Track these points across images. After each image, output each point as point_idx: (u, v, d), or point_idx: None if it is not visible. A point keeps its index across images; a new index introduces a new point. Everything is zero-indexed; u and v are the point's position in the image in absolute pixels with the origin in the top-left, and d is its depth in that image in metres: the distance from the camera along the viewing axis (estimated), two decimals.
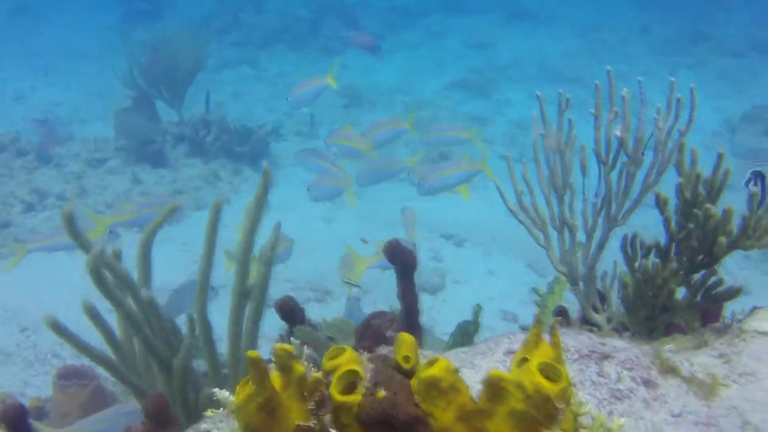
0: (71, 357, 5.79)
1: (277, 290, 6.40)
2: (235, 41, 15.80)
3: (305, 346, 1.73)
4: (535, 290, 3.04)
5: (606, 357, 1.79)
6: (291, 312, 1.89)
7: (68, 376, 4.21)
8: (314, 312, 6.44)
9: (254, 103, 12.37)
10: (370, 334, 1.92)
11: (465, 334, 2.98)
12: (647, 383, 1.75)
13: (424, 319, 6.05)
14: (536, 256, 7.32)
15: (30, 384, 5.50)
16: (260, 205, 2.18)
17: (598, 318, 2.21)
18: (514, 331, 1.93)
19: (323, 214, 8.08)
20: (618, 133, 2.06)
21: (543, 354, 1.24)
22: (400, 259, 1.90)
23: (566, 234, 2.22)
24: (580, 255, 2.19)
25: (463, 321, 3.12)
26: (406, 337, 1.26)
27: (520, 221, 2.27)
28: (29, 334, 6.08)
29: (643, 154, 2.05)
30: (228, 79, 13.79)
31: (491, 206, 8.58)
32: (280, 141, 9.89)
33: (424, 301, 6.47)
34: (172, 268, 6.69)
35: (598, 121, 2.13)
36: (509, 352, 1.81)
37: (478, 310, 3.01)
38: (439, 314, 6.52)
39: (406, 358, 1.25)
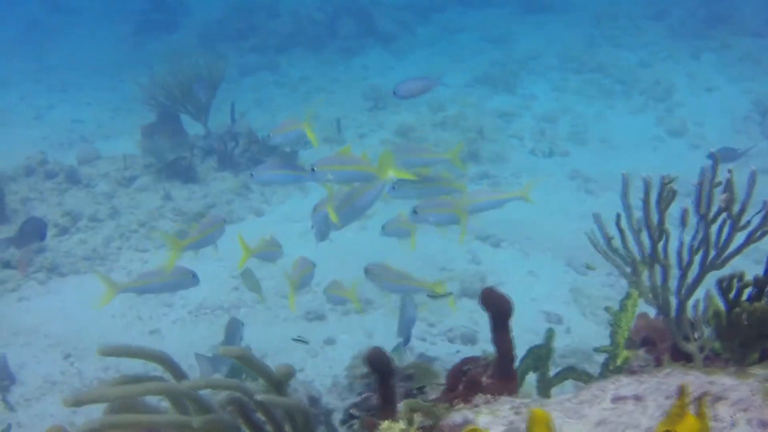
0: None
1: (311, 300, 6.38)
2: (253, 47, 15.79)
3: (416, 414, 1.67)
4: (607, 309, 2.94)
5: (719, 399, 1.71)
6: (383, 366, 1.81)
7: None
8: (356, 323, 6.42)
9: (277, 109, 12.34)
10: (465, 381, 1.84)
11: (537, 359, 2.89)
12: (764, 425, 1.67)
13: (467, 323, 5.98)
14: (575, 254, 7.30)
15: (78, 412, 5.45)
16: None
17: (691, 348, 2.13)
18: (619, 377, 1.84)
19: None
20: (722, 204, 2.05)
21: (689, 428, 1.16)
22: (495, 306, 1.82)
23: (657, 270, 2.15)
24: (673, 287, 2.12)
25: (535, 345, 3.03)
26: (539, 414, 1.19)
27: (610, 261, 2.21)
28: (73, 360, 6.04)
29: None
30: (249, 86, 13.78)
31: (524, 205, 8.48)
32: (308, 148, 9.82)
33: (465, 305, 6.44)
34: (210, 283, 6.65)
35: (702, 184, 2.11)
36: (617, 399, 1.73)
37: (551, 335, 2.92)
38: (483, 319, 6.40)
39: None
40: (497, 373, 1.84)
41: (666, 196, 2.20)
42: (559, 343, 5.99)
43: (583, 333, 6.20)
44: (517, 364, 2.72)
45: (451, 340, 6.16)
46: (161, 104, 9.40)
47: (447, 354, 5.89)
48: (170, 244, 4.54)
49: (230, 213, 8.05)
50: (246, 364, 1.99)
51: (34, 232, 4.76)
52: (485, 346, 6.09)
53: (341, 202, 4.04)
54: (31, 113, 13.38)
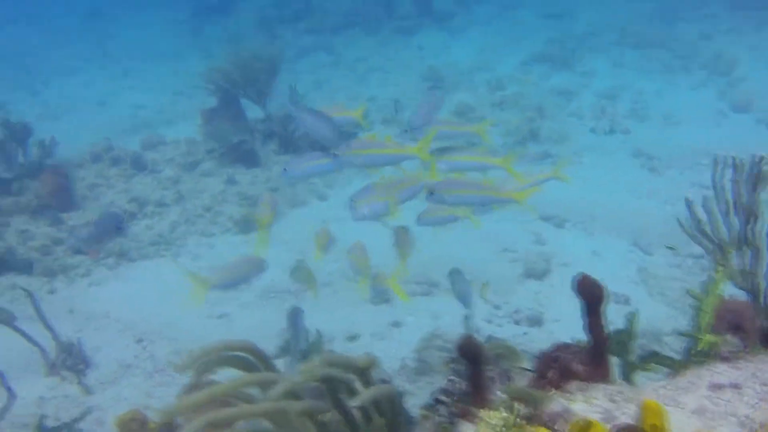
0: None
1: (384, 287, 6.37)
2: (309, 28, 15.82)
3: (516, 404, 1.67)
4: (689, 292, 2.89)
5: None
6: (475, 353, 1.82)
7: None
8: (422, 305, 6.43)
9: (335, 91, 12.36)
10: (557, 367, 1.84)
11: (619, 343, 2.86)
12: None
13: (532, 305, 5.96)
14: (640, 233, 7.22)
15: (152, 395, 5.56)
16: None
17: None
18: (714, 363, 1.83)
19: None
20: None
21: None
22: (589, 293, 1.81)
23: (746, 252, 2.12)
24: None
25: (617, 329, 3.00)
26: (652, 405, 1.19)
27: (699, 244, 2.17)
28: (145, 344, 6.15)
29: None
30: (306, 67, 13.80)
31: (586, 183, 8.42)
32: (366, 129, 9.81)
33: (531, 286, 6.42)
34: (278, 267, 6.69)
35: None
36: (714, 386, 1.72)
37: (633, 318, 2.88)
38: (548, 300, 6.40)
39: (654, 427, 1.17)
40: (590, 360, 1.83)
41: (757, 175, 2.15)
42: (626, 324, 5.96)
43: (651, 314, 6.12)
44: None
45: (517, 322, 6.14)
46: (221, 88, 9.47)
47: (514, 336, 5.87)
48: (195, 282, 4.53)
49: (293, 197, 8.11)
50: (331, 367, 2.00)
51: (111, 226, 4.80)
52: (551, 328, 6.08)
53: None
54: (95, 99, 13.59)
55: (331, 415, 2.15)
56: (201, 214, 7.88)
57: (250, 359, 2.24)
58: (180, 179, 8.62)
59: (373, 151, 4.21)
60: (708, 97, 11.09)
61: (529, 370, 2.34)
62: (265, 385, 2.03)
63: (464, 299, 4.99)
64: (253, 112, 9.67)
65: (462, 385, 2.12)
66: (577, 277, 1.86)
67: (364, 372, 2.11)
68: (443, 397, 2.15)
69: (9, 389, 4.78)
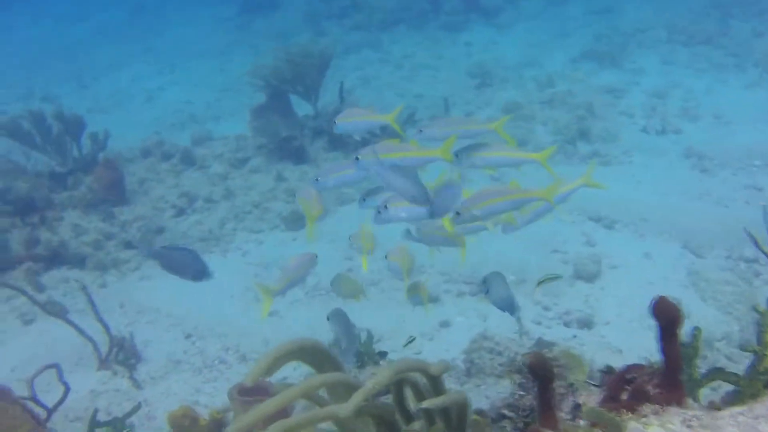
0: (237, 361, 5.89)
1: (432, 285, 6.36)
2: (356, 25, 15.83)
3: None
4: (756, 309, 2.84)
5: None
6: (545, 371, 1.79)
7: (249, 392, 4.25)
8: (470, 305, 6.41)
9: (382, 87, 12.36)
10: (631, 390, 1.81)
11: (684, 358, 2.81)
12: None
13: (582, 307, 5.91)
14: (691, 235, 7.12)
15: (201, 391, 5.61)
16: None
17: None
18: None
19: None
20: None
21: None
22: (666, 315, 1.78)
23: None
24: None
25: (681, 344, 2.95)
26: None
27: None
28: (194, 340, 6.20)
29: None
30: (353, 64, 13.82)
31: (637, 184, 8.33)
32: (401, 134, 9.78)
33: (582, 289, 6.36)
34: (326, 265, 6.69)
35: None
36: None
37: (698, 333, 2.83)
38: (599, 303, 6.34)
39: None
40: (665, 383, 1.80)
41: None
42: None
43: (703, 319, 6.05)
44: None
45: (566, 324, 6.09)
46: (270, 84, 9.49)
47: (564, 339, 5.83)
48: (263, 293, 4.50)
49: (342, 194, 8.11)
50: (403, 372, 1.99)
51: (189, 270, 4.75)
52: (601, 331, 6.01)
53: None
54: (143, 95, 13.74)
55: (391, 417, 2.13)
56: (249, 210, 7.93)
57: (321, 359, 2.22)
58: (229, 175, 8.68)
59: (398, 155, 4.14)
60: (761, 96, 10.89)
61: (595, 385, 2.31)
62: (338, 387, 2.02)
63: (505, 306, 4.74)
64: (302, 108, 9.68)
65: (528, 400, 2.11)
66: (654, 299, 1.82)
67: (436, 379, 2.08)
68: (508, 412, 2.14)
69: (64, 383, 4.83)
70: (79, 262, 7.18)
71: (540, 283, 4.90)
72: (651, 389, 1.78)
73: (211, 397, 5.50)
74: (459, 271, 6.75)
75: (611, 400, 1.87)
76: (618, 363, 5.36)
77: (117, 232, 7.45)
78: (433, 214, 3.90)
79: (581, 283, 6.59)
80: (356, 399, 1.79)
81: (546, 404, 1.85)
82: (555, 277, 4.91)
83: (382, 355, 4.94)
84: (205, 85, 13.81)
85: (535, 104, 10.53)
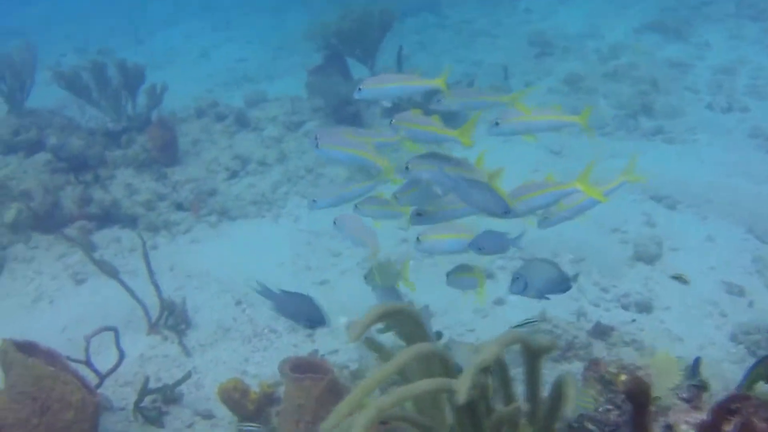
0: (287, 331, 5.80)
1: (486, 260, 6.20)
2: None
3: None
4: None
5: None
6: (643, 396, 1.64)
7: (301, 368, 4.16)
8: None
9: (441, 53, 12.12)
10: (740, 427, 1.65)
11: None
12: None
13: (642, 289, 5.71)
14: (757, 220, 6.86)
15: (250, 360, 5.53)
16: None
17: None
18: None
19: (524, 176, 7.73)
20: None
21: None
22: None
23: None
24: None
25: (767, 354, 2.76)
26: None
27: None
28: (244, 307, 6.11)
29: None
30: (412, 27, 13.58)
31: (702, 163, 8.06)
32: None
33: (642, 271, 6.15)
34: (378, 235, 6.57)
35: None
36: None
37: None
38: (659, 286, 6.14)
39: None
40: None
41: None
42: (741, 318, 5.68)
43: (767, 307, 5.85)
44: (746, 372, 2.49)
45: (625, 307, 5.90)
46: (328, 45, 9.31)
47: (622, 323, 5.65)
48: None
49: (398, 162, 7.93)
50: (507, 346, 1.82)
51: (304, 316, 4.59)
52: (661, 315, 5.82)
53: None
54: (197, 52, 13.64)
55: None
56: (303, 175, 7.80)
57: (413, 327, 2.09)
58: (283, 138, 8.54)
59: (395, 83, 4.02)
60: None
61: (684, 400, 2.15)
62: (429, 360, 1.89)
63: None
64: (359, 72, 9.51)
65: (614, 415, 1.96)
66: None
67: (538, 358, 1.93)
68: (591, 426, 1.99)
69: (120, 349, 4.77)
70: (131, 222, 7.13)
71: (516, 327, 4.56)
72: (760, 424, 1.62)
73: (261, 367, 5.42)
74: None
75: (713, 429, 1.71)
76: (679, 351, 5.20)
77: (169, 193, 7.38)
78: (481, 250, 3.82)
79: (641, 264, 6.39)
80: (468, 378, 1.64)
81: (642, 427, 1.70)
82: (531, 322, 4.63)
83: (438, 335, 4.79)
84: (260, 43, 13.69)
85: (598, 76, 10.22)
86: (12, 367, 4.11)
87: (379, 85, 4.05)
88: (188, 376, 5.02)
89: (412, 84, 4.05)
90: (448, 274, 4.07)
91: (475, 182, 3.55)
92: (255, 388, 4.71)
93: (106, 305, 6.18)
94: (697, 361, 4.02)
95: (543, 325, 5.21)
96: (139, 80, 8.32)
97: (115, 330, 4.72)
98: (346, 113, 8.56)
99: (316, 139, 3.92)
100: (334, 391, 4.14)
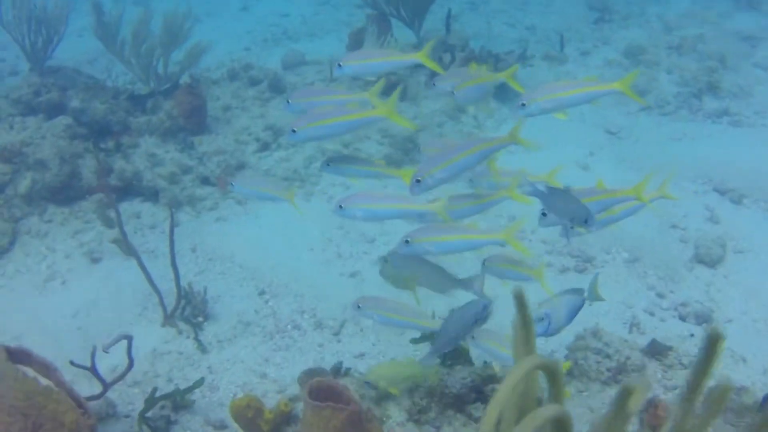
0: (312, 327, 5.35)
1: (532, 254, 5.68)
2: None
3: None
4: None
5: None
6: None
7: (321, 395, 3.71)
8: (574, 283, 5.68)
9: (492, 14, 11.42)
10: None
11: None
12: None
13: (702, 297, 5.13)
14: None
15: (270, 361, 5.09)
16: None
17: None
18: None
19: (579, 159, 7.18)
20: None
21: None
22: None
23: None
24: None
25: None
26: None
27: None
28: (267, 298, 5.67)
29: None
30: None
31: None
32: (526, 66, 8.95)
33: (702, 275, 5.57)
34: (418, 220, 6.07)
35: None
36: None
37: None
38: (720, 294, 5.57)
39: None
40: None
41: None
42: None
43: None
44: None
45: (682, 318, 5.36)
46: (374, 3, 8.72)
47: (679, 336, 5.12)
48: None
49: (441, 137, 7.39)
50: None
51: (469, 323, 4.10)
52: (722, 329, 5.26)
53: None
54: (238, 4, 13.07)
55: None
56: (339, 150, 7.27)
57: None
58: None
59: (377, 60, 4.03)
60: None
61: None
62: None
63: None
64: (404, 35, 8.90)
65: None
66: None
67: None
68: None
69: (130, 357, 4.32)
70: (152, 195, 6.68)
71: None
72: None
73: (280, 369, 4.99)
74: (563, 242, 6.05)
75: None
76: (742, 375, 4.66)
77: (195, 165, 6.89)
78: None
79: (702, 268, 5.83)
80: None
81: None
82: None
83: None
84: None
85: (661, 48, 9.50)
86: (2, 378, 3.71)
87: (359, 61, 4.03)
88: (200, 383, 4.60)
89: (393, 59, 4.05)
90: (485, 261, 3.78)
91: (556, 190, 3.45)
92: (271, 404, 4.28)
93: (120, 289, 5.78)
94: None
95: (593, 343, 4.71)
96: (181, 37, 7.81)
97: (129, 338, 4.26)
98: (387, 82, 7.95)
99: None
100: (356, 424, 3.70)
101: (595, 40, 10.08)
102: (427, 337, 4.31)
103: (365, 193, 3.70)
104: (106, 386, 4.27)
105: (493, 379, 4.03)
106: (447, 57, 8.04)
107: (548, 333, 3.73)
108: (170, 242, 5.26)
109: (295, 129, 3.84)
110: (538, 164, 7.22)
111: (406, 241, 3.54)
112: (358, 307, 3.84)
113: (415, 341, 4.31)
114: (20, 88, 7.25)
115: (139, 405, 4.43)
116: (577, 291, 3.93)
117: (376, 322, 3.90)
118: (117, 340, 4.19)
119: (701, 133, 7.68)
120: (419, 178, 3.47)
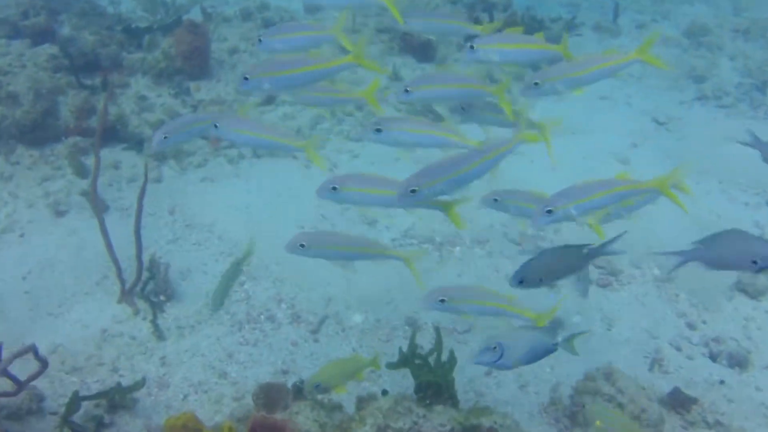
0: (288, 321, 4.67)
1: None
2: None
3: None
4: None
5: None
6: None
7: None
8: (595, 302, 4.97)
9: None
10: None
11: None
12: None
13: (739, 333, 4.33)
14: None
15: (234, 358, 4.46)
16: None
17: None
18: None
19: (619, 152, 6.39)
20: None
21: None
22: None
23: None
24: None
25: None
26: None
27: None
28: (243, 280, 5.00)
29: None
30: None
31: None
32: (573, 35, 8.08)
33: (742, 307, 4.77)
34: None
35: None
36: None
37: None
38: (761, 332, 4.84)
39: None
40: None
41: None
42: None
43: None
44: None
45: (713, 357, 4.64)
46: None
47: (706, 381, 4.39)
48: None
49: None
50: None
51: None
52: (758, 378, 4.53)
53: None
54: None
55: None
56: (350, 112, 6.52)
57: None
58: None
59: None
60: None
61: None
62: None
63: None
64: None
65: None
66: None
67: None
68: None
69: (41, 359, 3.64)
70: (137, 144, 5.98)
71: None
72: None
73: (244, 369, 4.38)
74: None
75: None
76: None
77: (187, 113, 6.15)
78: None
79: (743, 298, 5.09)
80: None
81: None
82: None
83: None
84: None
85: (726, 31, 8.55)
86: None
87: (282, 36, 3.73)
88: (141, 384, 3.96)
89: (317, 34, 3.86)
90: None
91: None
92: (217, 420, 3.68)
93: (81, 250, 5.17)
94: None
95: (605, 387, 4.00)
96: None
97: (33, 348, 3.57)
98: (415, 42, 7.14)
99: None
100: None
101: (654, 12, 9.15)
102: (404, 363, 3.61)
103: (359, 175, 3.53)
104: (21, 386, 3.62)
105: (478, 430, 3.33)
106: (484, 17, 7.18)
107: (499, 366, 3.35)
108: (138, 206, 4.57)
109: (248, 76, 3.53)
110: (571, 153, 6.52)
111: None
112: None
113: (391, 366, 3.63)
114: (8, 7, 6.56)
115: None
116: (550, 333, 3.47)
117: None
118: (19, 355, 3.50)
119: (762, 134, 6.82)
120: (414, 189, 3.25)
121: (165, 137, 3.74)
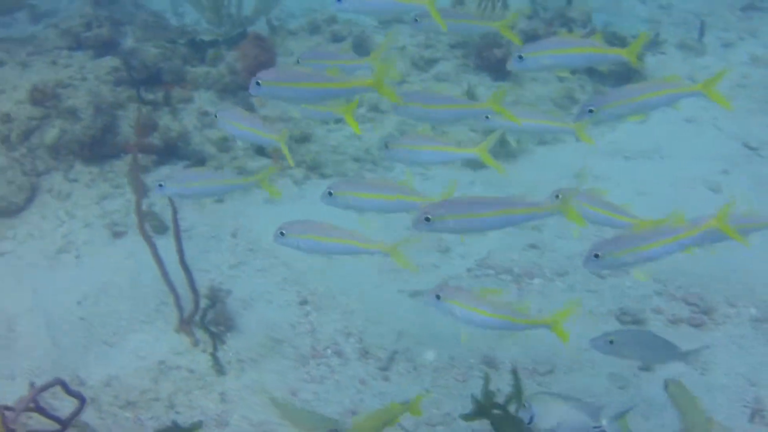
0: (356, 357, 4.34)
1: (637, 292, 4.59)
2: None
3: None
4: None
5: None
6: None
7: None
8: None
9: None
10: None
11: None
12: None
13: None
14: None
15: (299, 396, 4.13)
16: None
17: None
18: None
19: (709, 177, 5.95)
20: None
21: None
22: None
23: None
24: None
25: None
26: None
27: None
28: (309, 310, 4.68)
29: None
30: None
31: None
32: (656, 53, 7.68)
33: None
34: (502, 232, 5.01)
35: None
36: None
37: None
38: None
39: None
40: None
41: None
42: None
43: None
44: None
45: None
46: None
47: None
48: None
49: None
50: None
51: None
52: None
53: None
54: None
55: None
56: (424, 131, 6.17)
57: None
58: (407, 78, 6.82)
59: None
60: None
61: None
62: None
63: None
64: (516, 3, 7.69)
65: None
66: None
67: None
68: None
69: (76, 395, 3.35)
70: (198, 162, 5.72)
71: None
72: None
73: (307, 405, 4.01)
74: (680, 281, 4.89)
75: None
76: None
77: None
78: None
79: None
80: None
81: None
82: None
83: None
84: None
85: None
86: None
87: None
88: (199, 425, 3.65)
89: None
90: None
91: None
92: None
93: (139, 274, 4.93)
94: None
95: None
96: None
97: (63, 383, 3.28)
98: (490, 58, 6.78)
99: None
100: None
101: (741, 30, 8.65)
102: (480, 413, 3.26)
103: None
104: (64, 426, 3.33)
105: None
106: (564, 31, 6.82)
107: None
108: (175, 228, 4.31)
109: (260, 81, 3.71)
110: (659, 179, 6.13)
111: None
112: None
113: (466, 418, 3.29)
114: (72, 19, 6.38)
115: None
116: (598, 410, 3.19)
117: None
118: (43, 389, 3.22)
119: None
120: (430, 218, 3.37)
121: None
